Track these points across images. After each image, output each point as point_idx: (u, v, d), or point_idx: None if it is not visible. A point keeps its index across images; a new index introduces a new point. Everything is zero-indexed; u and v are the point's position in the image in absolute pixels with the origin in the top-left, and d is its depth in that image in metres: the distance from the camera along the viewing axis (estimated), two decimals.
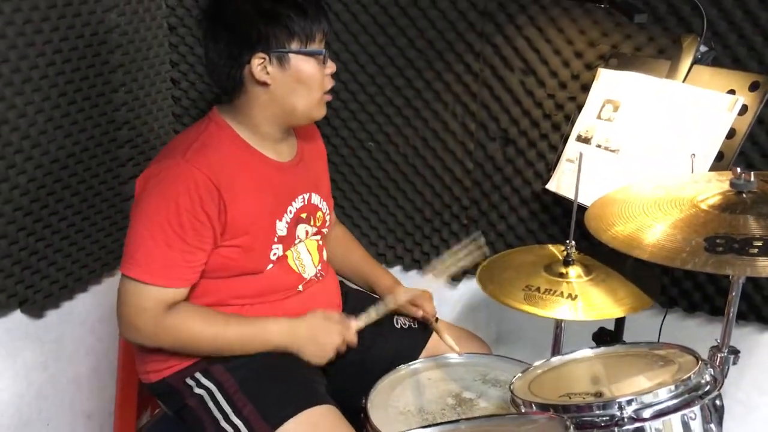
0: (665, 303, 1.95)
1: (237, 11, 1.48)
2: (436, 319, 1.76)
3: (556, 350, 1.64)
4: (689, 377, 1.11)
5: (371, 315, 1.65)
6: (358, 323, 1.62)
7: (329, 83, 1.56)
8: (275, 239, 1.56)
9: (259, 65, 1.47)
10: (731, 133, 1.52)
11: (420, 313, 1.73)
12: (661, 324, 1.84)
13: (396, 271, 2.25)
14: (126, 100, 2.00)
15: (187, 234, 1.43)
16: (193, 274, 1.48)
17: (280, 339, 1.53)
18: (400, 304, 1.72)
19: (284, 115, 1.54)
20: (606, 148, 1.72)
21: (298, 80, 1.50)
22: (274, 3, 1.47)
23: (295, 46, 1.48)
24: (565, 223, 1.76)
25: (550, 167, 1.89)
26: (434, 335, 1.75)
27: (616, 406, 1.07)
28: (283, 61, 1.48)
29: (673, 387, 1.09)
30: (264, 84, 1.49)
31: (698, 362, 1.15)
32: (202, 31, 1.54)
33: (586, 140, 1.77)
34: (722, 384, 1.13)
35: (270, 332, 1.53)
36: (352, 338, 1.60)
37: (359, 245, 1.90)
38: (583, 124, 1.80)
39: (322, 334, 1.55)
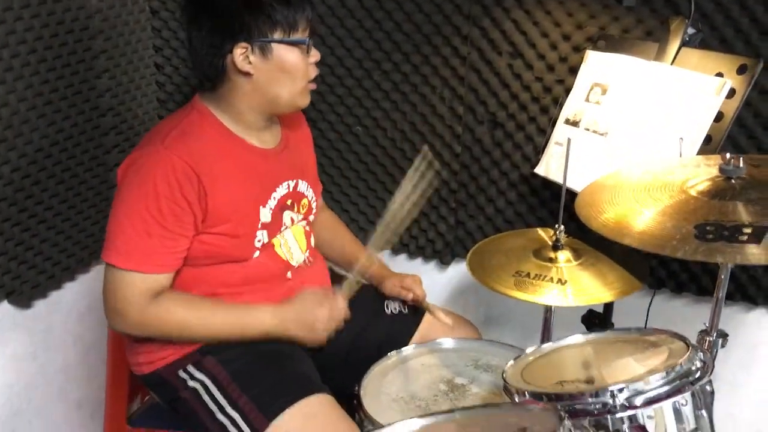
0: (653, 284, 1.97)
1: (220, 1, 1.45)
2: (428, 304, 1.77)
3: (545, 335, 1.66)
4: (680, 364, 1.12)
5: (352, 284, 1.63)
6: (342, 294, 1.59)
7: (313, 72, 1.54)
8: (259, 226, 1.55)
9: (241, 55, 1.45)
10: (719, 117, 1.53)
11: (410, 296, 1.73)
12: (649, 305, 1.86)
13: (385, 255, 2.25)
14: (110, 86, 1.97)
15: (166, 220, 1.42)
16: (174, 260, 1.47)
17: (268, 325, 1.52)
18: (394, 285, 1.72)
19: (268, 104, 1.53)
20: (594, 131, 1.73)
21: (281, 70, 1.48)
22: None
23: (277, 35, 1.46)
24: (554, 206, 1.77)
25: (539, 151, 1.89)
26: (425, 320, 1.76)
27: (609, 394, 1.09)
28: (266, 51, 1.46)
29: (664, 374, 1.10)
30: (246, 74, 1.47)
31: (688, 348, 1.16)
32: (185, 19, 1.51)
33: (574, 123, 1.77)
34: (712, 369, 1.15)
35: (257, 318, 1.52)
36: (343, 310, 1.58)
37: (347, 230, 1.90)
38: (571, 107, 1.79)
39: (309, 315, 1.54)
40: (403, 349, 1.66)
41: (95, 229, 1.98)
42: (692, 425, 1.10)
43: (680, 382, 1.11)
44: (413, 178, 1.65)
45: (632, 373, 1.14)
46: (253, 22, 1.44)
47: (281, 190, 1.61)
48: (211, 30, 1.46)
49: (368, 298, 1.77)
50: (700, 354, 1.16)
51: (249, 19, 1.44)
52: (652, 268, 1.97)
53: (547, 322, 1.69)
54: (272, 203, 1.58)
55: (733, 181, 1.28)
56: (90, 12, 1.87)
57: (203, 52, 1.48)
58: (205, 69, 1.50)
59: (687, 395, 1.10)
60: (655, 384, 1.09)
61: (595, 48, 1.82)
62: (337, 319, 1.57)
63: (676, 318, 1.82)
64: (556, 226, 1.63)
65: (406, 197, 1.65)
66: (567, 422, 0.95)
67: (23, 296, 1.80)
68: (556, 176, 1.79)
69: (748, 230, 1.13)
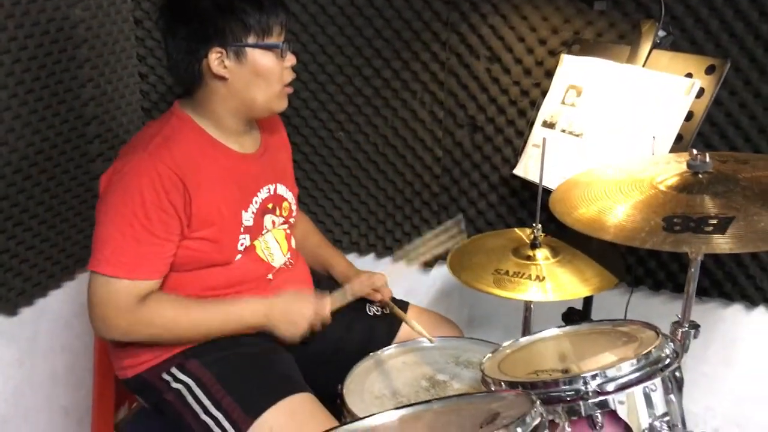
0: (631, 282, 2.00)
1: (194, 6, 1.48)
2: (407, 305, 1.79)
3: (526, 331, 1.69)
4: (650, 351, 1.15)
5: (347, 296, 1.67)
6: (333, 303, 1.63)
7: (289, 76, 1.56)
8: (241, 230, 1.57)
9: (216, 59, 1.47)
10: (689, 116, 1.57)
11: (378, 297, 1.76)
12: (627, 302, 1.89)
13: (369, 258, 2.28)
14: (94, 95, 2.00)
15: (154, 226, 1.44)
16: (163, 266, 1.49)
17: (254, 318, 1.55)
18: (363, 285, 1.75)
19: (244, 108, 1.55)
20: (570, 133, 1.76)
21: (255, 74, 1.50)
22: None
23: (251, 39, 1.48)
24: (534, 206, 1.79)
25: (517, 153, 1.93)
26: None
27: (581, 381, 1.12)
28: (240, 55, 1.48)
29: (635, 361, 1.14)
30: (222, 78, 1.49)
31: (659, 336, 1.20)
32: (161, 25, 1.54)
33: (551, 125, 1.81)
34: (682, 356, 1.18)
35: (244, 312, 1.54)
36: (326, 314, 1.61)
37: (317, 230, 1.93)
38: (547, 109, 1.83)
39: (294, 311, 1.56)
40: (384, 348, 1.69)
41: (80, 236, 1.99)
42: (662, 410, 1.13)
43: (650, 368, 1.14)
44: (439, 236, 1.79)
45: (606, 361, 1.18)
46: (227, 27, 1.46)
47: (262, 194, 1.63)
48: (186, 35, 1.48)
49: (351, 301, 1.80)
50: (671, 343, 1.20)
51: (223, 24, 1.46)
52: (629, 266, 2.01)
53: (528, 320, 1.71)
54: (254, 207, 1.60)
55: (700, 175, 1.31)
56: (74, 22, 1.89)
57: (179, 58, 1.50)
58: (181, 75, 1.52)
59: (657, 381, 1.13)
60: (626, 371, 1.13)
61: (570, 52, 1.86)
62: (320, 319, 1.60)
63: (653, 315, 1.83)
64: (534, 224, 1.66)
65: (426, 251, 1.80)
66: (539, 407, 0.98)
67: (9, 304, 1.82)
68: (534, 177, 1.82)
69: (713, 221, 1.17)
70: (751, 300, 1.96)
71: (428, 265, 2.22)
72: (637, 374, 1.13)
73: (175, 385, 1.54)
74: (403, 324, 1.77)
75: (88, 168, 1.99)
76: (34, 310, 1.93)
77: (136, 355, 1.57)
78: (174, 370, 1.55)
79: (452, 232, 1.79)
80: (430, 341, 1.69)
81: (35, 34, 1.77)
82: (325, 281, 1.83)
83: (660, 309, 2.03)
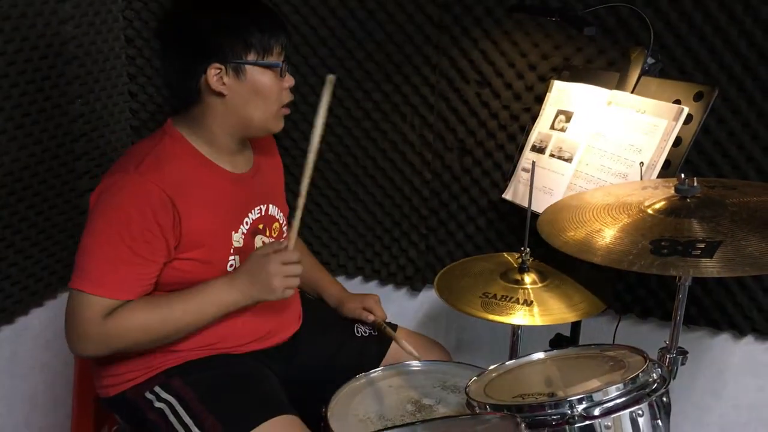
0: (619, 309, 1.99)
1: (194, 23, 1.48)
2: (395, 327, 1.78)
3: (513, 356, 1.67)
4: (637, 375, 1.14)
5: (294, 227, 1.52)
6: (290, 241, 1.50)
7: (287, 97, 1.56)
8: (231, 250, 1.56)
9: (215, 75, 1.47)
10: (677, 142, 1.58)
11: (371, 318, 1.74)
12: (615, 329, 1.88)
13: (357, 281, 2.27)
14: (83, 112, 1.99)
15: (139, 246, 1.42)
16: (143, 287, 1.46)
17: (226, 296, 1.49)
18: (355, 306, 1.74)
19: (240, 126, 1.54)
20: (559, 157, 1.77)
21: (254, 92, 1.50)
22: (232, 15, 1.48)
23: (251, 57, 1.48)
24: (522, 231, 1.79)
25: (507, 177, 1.93)
26: (394, 343, 1.76)
27: (567, 405, 1.10)
28: (240, 72, 1.48)
29: (621, 385, 1.12)
30: (220, 94, 1.49)
31: (646, 361, 1.19)
32: (159, 42, 1.54)
33: (540, 150, 1.82)
34: (669, 382, 1.17)
35: (214, 296, 1.49)
36: (292, 257, 1.49)
37: (308, 252, 1.91)
38: (537, 134, 1.84)
39: (261, 272, 1.48)
40: (371, 371, 1.66)
41: (64, 254, 1.97)
42: None
43: (637, 393, 1.13)
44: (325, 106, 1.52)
45: (592, 386, 1.16)
46: (228, 45, 1.46)
47: (253, 215, 1.61)
48: (185, 52, 1.48)
49: (338, 322, 1.78)
50: (658, 368, 1.18)
51: (224, 41, 1.46)
52: (618, 293, 2.00)
53: (515, 345, 1.70)
54: (244, 228, 1.59)
55: (688, 200, 1.31)
56: (64, 38, 1.89)
57: (177, 74, 1.50)
58: (178, 91, 1.52)
59: (644, 406, 1.11)
60: (613, 395, 1.11)
61: (560, 77, 1.87)
62: (291, 268, 1.49)
63: (641, 342, 1.82)
64: (522, 248, 1.65)
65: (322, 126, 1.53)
66: (524, 430, 0.96)
67: None
68: (523, 201, 1.82)
69: (701, 245, 1.16)
70: (740, 329, 1.95)
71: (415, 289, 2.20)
72: (623, 399, 1.12)
73: (158, 404, 1.51)
74: (391, 346, 1.75)
75: (74, 185, 1.98)
76: (14, 329, 1.90)
77: (119, 374, 1.54)
78: (157, 389, 1.52)
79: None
80: (419, 359, 1.66)
81: (25, 49, 1.77)
82: (313, 304, 1.81)
83: (648, 336, 2.02)
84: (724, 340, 2.00)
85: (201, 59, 1.47)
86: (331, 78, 1.45)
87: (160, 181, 1.44)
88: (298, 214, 1.49)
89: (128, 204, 1.42)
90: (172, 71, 1.52)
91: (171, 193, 1.44)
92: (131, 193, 1.43)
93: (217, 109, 1.51)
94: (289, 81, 1.55)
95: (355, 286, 2.25)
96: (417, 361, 1.69)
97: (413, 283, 2.22)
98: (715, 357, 2.02)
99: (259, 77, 1.50)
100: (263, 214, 1.64)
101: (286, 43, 1.53)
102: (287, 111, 1.58)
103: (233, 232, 1.56)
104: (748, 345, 1.98)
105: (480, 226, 2.10)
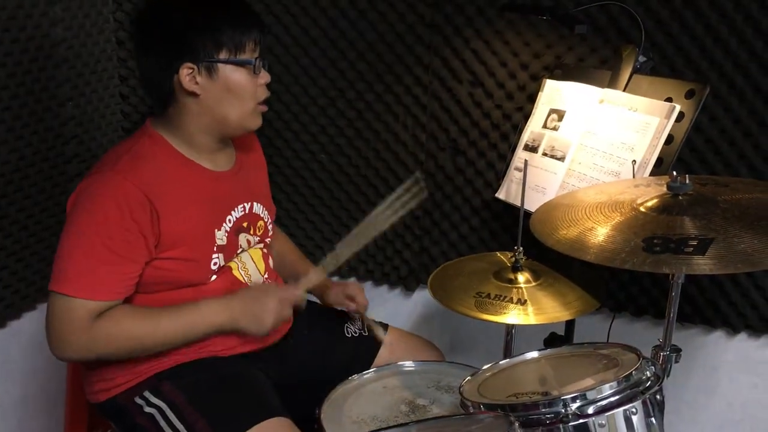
0: (613, 308, 1.99)
1: (166, 21, 1.47)
2: (386, 327, 1.78)
3: (507, 355, 1.67)
4: (630, 373, 1.14)
5: (311, 279, 1.62)
6: (302, 285, 1.59)
7: (263, 93, 1.54)
8: (214, 249, 1.54)
9: (187, 75, 1.46)
10: (669, 140, 1.58)
11: (353, 306, 1.74)
12: (609, 328, 1.88)
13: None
14: (73, 115, 1.98)
15: (117, 246, 1.41)
16: (124, 287, 1.45)
17: (216, 318, 1.50)
18: (338, 293, 1.75)
19: (217, 125, 1.53)
20: (552, 156, 1.77)
21: (227, 90, 1.49)
22: (203, 13, 1.46)
23: (223, 55, 1.46)
24: (516, 231, 1.79)
25: (500, 176, 1.92)
26: (386, 342, 1.76)
27: (561, 404, 1.10)
28: (212, 71, 1.47)
29: (615, 383, 1.12)
30: (194, 94, 1.48)
31: (639, 359, 1.18)
32: (134, 42, 1.53)
33: (533, 149, 1.81)
34: (663, 380, 1.17)
35: (205, 316, 1.49)
36: (296, 297, 1.56)
37: (295, 248, 1.90)
38: (530, 133, 1.84)
39: (256, 306, 1.51)
40: (364, 372, 1.66)
41: None
42: None
43: (631, 391, 1.13)
44: (400, 198, 1.67)
45: (586, 384, 1.16)
46: (199, 43, 1.45)
47: (237, 213, 1.60)
48: (158, 52, 1.47)
49: (328, 323, 1.78)
50: (652, 366, 1.18)
51: (195, 39, 1.45)
52: (612, 291, 2.00)
53: (509, 344, 1.70)
54: (227, 226, 1.58)
55: (680, 197, 1.31)
56: (55, 41, 1.88)
57: (151, 74, 1.49)
58: (153, 91, 1.51)
59: (637, 404, 1.11)
60: (606, 393, 1.11)
61: (552, 76, 1.87)
62: (289, 305, 1.54)
63: (635, 340, 1.82)
64: (516, 247, 1.65)
65: (385, 214, 1.65)
66: (518, 428, 0.96)
67: None
68: (516, 200, 1.82)
69: (693, 242, 1.16)
70: (733, 326, 1.96)
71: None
72: (617, 397, 1.12)
73: (148, 409, 1.50)
74: (383, 346, 1.75)
75: (65, 188, 1.97)
76: (6, 333, 1.89)
77: (108, 379, 1.53)
78: (147, 394, 1.51)
79: (413, 191, 1.72)
80: (383, 336, 1.72)
81: (15, 52, 1.76)
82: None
83: (642, 334, 2.02)
84: (717, 337, 2.00)
85: (173, 59, 1.45)
86: (417, 176, 1.70)
87: (136, 179, 1.43)
88: (310, 278, 1.61)
89: (105, 203, 1.41)
90: (146, 71, 1.51)
91: (147, 191, 1.43)
92: (107, 192, 1.41)
93: (192, 108, 1.50)
94: (265, 77, 1.53)
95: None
96: (410, 362, 1.69)
97: (407, 283, 2.22)
98: (709, 355, 2.02)
99: (233, 75, 1.48)
100: (247, 212, 1.63)
101: (260, 38, 1.51)
102: (264, 108, 1.56)
103: (216, 230, 1.55)
104: (742, 342, 1.98)
105: (474, 226, 2.10)
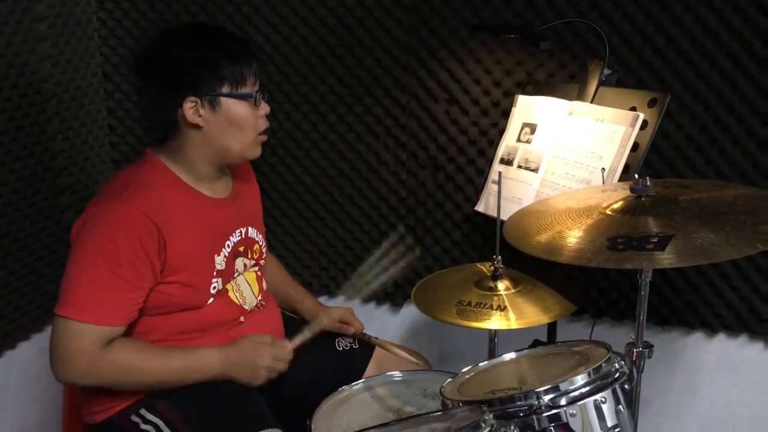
0: (594, 314, 2.04)
1: (168, 57, 1.53)
2: (376, 338, 1.82)
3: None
4: (600, 365, 1.19)
5: (305, 334, 1.69)
6: (293, 342, 1.66)
7: (263, 124, 1.60)
8: (214, 273, 1.59)
9: (191, 109, 1.51)
10: (635, 147, 1.64)
11: (351, 330, 1.79)
12: (591, 333, 1.93)
13: (339, 300, 2.30)
14: (63, 148, 2.04)
15: (125, 272, 1.45)
16: (129, 312, 1.49)
17: (214, 367, 1.56)
18: (332, 320, 1.78)
19: (218, 155, 1.58)
20: (527, 168, 1.83)
21: (230, 122, 1.54)
22: (204, 48, 1.53)
23: (225, 89, 1.52)
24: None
25: (478, 190, 1.99)
26: (376, 354, 1.81)
27: (535, 396, 1.15)
28: (215, 104, 1.52)
29: (585, 375, 1.18)
30: (197, 126, 1.53)
31: (609, 353, 1.24)
32: (136, 76, 1.59)
33: (508, 162, 1.88)
34: (637, 374, 1.22)
35: (205, 363, 1.55)
36: (287, 356, 1.62)
37: (284, 270, 1.96)
38: (505, 147, 1.91)
39: (251, 357, 1.57)
40: (353, 383, 1.70)
41: (50, 287, 2.00)
42: (612, 421, 1.16)
43: (600, 382, 1.18)
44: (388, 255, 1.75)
45: (560, 378, 1.21)
46: (201, 78, 1.50)
47: (234, 238, 1.66)
48: (160, 87, 1.53)
49: (320, 337, 1.81)
50: (621, 360, 1.24)
51: (197, 75, 1.50)
52: (592, 297, 2.05)
53: (493, 350, 1.75)
54: (226, 251, 1.63)
55: (643, 198, 1.38)
56: (43, 76, 1.95)
57: (155, 107, 1.54)
58: (157, 123, 1.56)
59: (606, 393, 1.17)
60: (578, 384, 1.16)
61: (524, 92, 1.94)
62: (280, 364, 1.61)
63: (616, 344, 1.87)
64: (494, 256, 1.71)
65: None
66: (488, 416, 1.01)
67: None
68: (494, 212, 1.87)
69: (654, 240, 1.22)
70: (711, 327, 2.01)
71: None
72: (587, 388, 1.17)
73: (144, 426, 1.54)
74: (373, 357, 1.80)
75: (58, 219, 2.02)
76: (2, 362, 1.92)
77: (105, 399, 1.57)
78: (143, 411, 1.55)
79: (400, 250, 1.81)
80: (417, 364, 1.74)
81: (4, 88, 1.82)
82: (294, 323, 1.85)
83: (623, 338, 2.00)
84: (697, 339, 2.04)
85: (176, 93, 1.51)
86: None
87: (144, 207, 1.47)
88: (305, 333, 1.68)
89: (114, 232, 1.45)
90: (149, 105, 1.56)
91: (156, 219, 1.48)
92: (116, 221, 1.46)
93: (194, 140, 1.55)
94: (265, 109, 1.59)
95: (338, 305, 2.28)
96: (398, 372, 1.73)
97: (394, 299, 2.27)
98: (690, 356, 2.06)
99: (234, 108, 1.54)
100: (243, 236, 1.69)
101: (258, 71, 1.57)
102: (264, 138, 1.62)
103: (216, 255, 1.60)
104: (721, 342, 2.02)
105: (455, 240, 2.16)
